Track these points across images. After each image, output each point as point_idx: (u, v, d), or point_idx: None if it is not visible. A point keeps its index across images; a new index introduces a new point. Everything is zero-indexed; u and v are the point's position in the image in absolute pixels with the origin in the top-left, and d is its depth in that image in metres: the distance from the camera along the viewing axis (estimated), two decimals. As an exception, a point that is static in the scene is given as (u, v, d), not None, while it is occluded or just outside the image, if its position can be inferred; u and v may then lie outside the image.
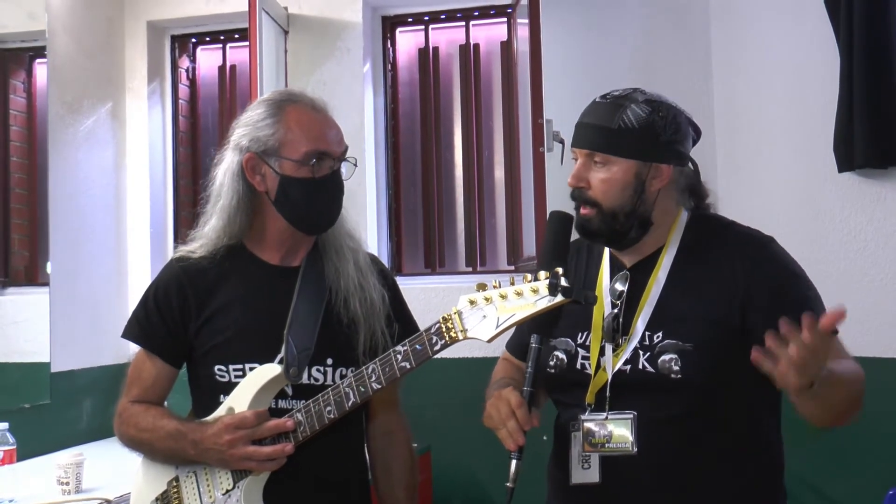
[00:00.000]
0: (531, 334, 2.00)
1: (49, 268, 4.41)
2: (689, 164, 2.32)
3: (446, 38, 5.09)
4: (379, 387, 2.13)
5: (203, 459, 2.24)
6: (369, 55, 4.95)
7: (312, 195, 2.33)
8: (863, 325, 3.60)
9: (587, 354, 2.18)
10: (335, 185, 2.37)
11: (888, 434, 3.65)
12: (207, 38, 5.34)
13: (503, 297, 1.94)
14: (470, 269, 4.93)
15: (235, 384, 2.28)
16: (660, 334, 2.13)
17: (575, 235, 2.19)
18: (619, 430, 2.07)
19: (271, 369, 2.24)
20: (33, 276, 4.54)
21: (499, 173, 4.98)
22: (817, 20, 3.77)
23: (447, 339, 2.01)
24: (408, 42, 5.13)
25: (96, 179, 4.85)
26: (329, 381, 2.31)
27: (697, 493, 2.11)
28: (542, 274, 1.91)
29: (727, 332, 2.10)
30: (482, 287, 1.99)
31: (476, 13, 4.99)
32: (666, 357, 2.10)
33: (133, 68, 5.15)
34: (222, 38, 5.31)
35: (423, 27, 5.09)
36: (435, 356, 2.07)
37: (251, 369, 2.27)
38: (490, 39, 5.03)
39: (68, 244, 4.56)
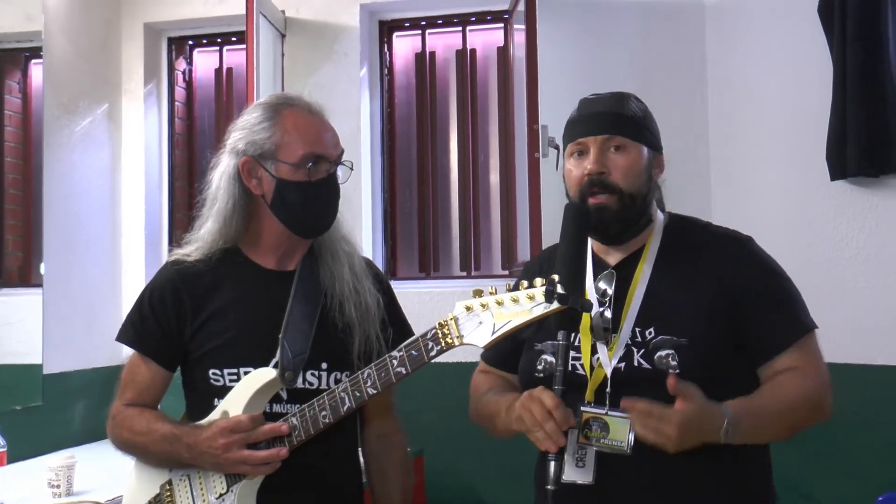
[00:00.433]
0: (558, 331, 1.97)
1: (43, 269, 4.40)
2: None
3: (443, 43, 5.10)
4: (375, 392, 2.13)
5: (197, 463, 2.24)
6: (366, 59, 4.96)
7: (309, 198, 2.33)
8: (854, 332, 3.62)
9: (578, 355, 2.17)
10: (331, 188, 2.37)
11: (879, 440, 3.67)
12: (204, 41, 5.34)
13: (499, 303, 1.95)
14: (464, 273, 4.93)
15: (230, 388, 2.28)
16: (651, 330, 2.14)
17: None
18: (618, 429, 2.06)
19: (267, 373, 2.24)
20: (27, 276, 4.53)
21: (494, 178, 4.98)
22: (811, 29, 3.79)
23: (443, 344, 2.02)
24: (405, 47, 5.14)
25: (92, 181, 4.85)
26: (324, 386, 2.31)
27: (694, 493, 2.12)
28: (538, 281, 1.92)
29: (718, 327, 2.13)
30: (478, 293, 1.99)
31: (473, 19, 5.00)
32: (662, 353, 2.11)
33: (129, 70, 5.15)
34: (219, 40, 5.31)
35: (419, 32, 5.09)
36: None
37: (246, 373, 2.28)
38: (486, 45, 5.04)
39: (62, 245, 4.56)
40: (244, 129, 2.37)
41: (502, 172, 4.91)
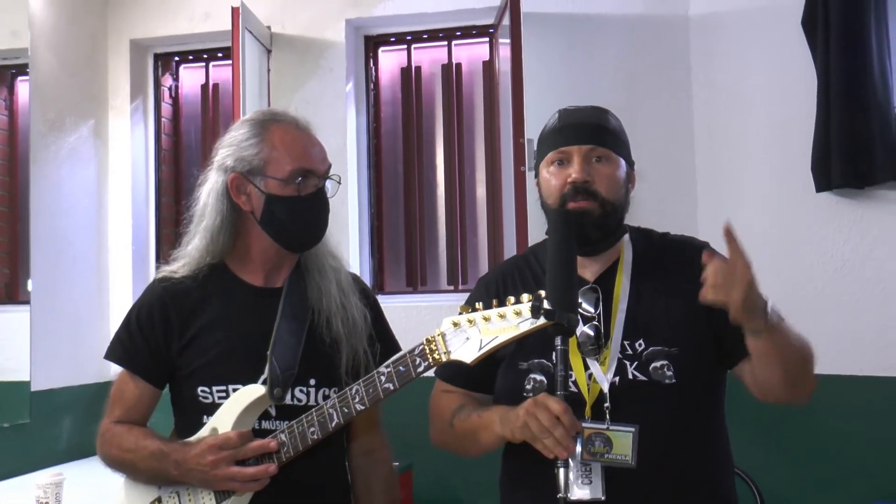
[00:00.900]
0: (555, 337, 1.95)
1: (30, 285, 4.39)
2: None
3: (429, 57, 5.11)
4: (363, 408, 2.13)
5: (186, 480, 2.24)
6: (352, 74, 4.97)
7: (298, 213, 2.34)
8: (840, 344, 3.64)
9: (570, 373, 2.15)
10: (320, 202, 2.38)
11: (867, 451, 3.68)
12: (190, 57, 5.35)
13: (486, 319, 1.96)
14: (452, 287, 4.95)
15: (219, 405, 2.28)
16: (641, 342, 2.16)
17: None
18: (621, 442, 2.06)
19: (255, 390, 2.24)
20: (14, 293, 4.52)
21: (480, 192, 5.00)
22: (795, 41, 3.82)
23: (430, 360, 2.02)
24: (390, 61, 5.15)
25: (78, 197, 4.85)
26: (312, 402, 2.32)
27: (697, 500, 2.15)
28: (525, 296, 1.93)
29: (701, 333, 2.16)
30: (466, 309, 2.00)
31: (458, 33, 5.01)
32: (657, 364, 2.13)
33: (116, 86, 5.15)
34: (205, 56, 5.31)
35: (405, 47, 5.10)
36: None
37: (234, 390, 2.28)
38: (472, 59, 5.06)
39: (49, 262, 4.55)
40: (232, 146, 2.37)
41: (489, 186, 4.92)
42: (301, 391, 2.32)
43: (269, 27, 4.92)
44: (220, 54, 5.23)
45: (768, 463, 3.78)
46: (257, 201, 2.34)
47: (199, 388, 2.32)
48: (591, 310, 2.22)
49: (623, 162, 2.27)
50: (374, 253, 5.04)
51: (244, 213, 2.37)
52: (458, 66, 5.04)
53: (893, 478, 3.59)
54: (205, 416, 2.30)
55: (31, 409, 4.30)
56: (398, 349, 2.53)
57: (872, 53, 3.56)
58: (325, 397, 2.31)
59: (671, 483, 2.11)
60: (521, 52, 4.18)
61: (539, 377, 2.20)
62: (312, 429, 2.19)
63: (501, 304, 1.97)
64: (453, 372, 2.34)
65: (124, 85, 5.15)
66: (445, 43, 5.05)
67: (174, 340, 2.36)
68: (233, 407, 2.24)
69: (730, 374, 2.27)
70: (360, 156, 4.99)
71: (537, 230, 2.53)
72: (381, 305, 2.61)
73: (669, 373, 2.13)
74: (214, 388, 2.31)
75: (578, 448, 2.04)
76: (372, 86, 5.10)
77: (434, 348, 2.02)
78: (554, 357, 2.17)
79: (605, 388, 2.13)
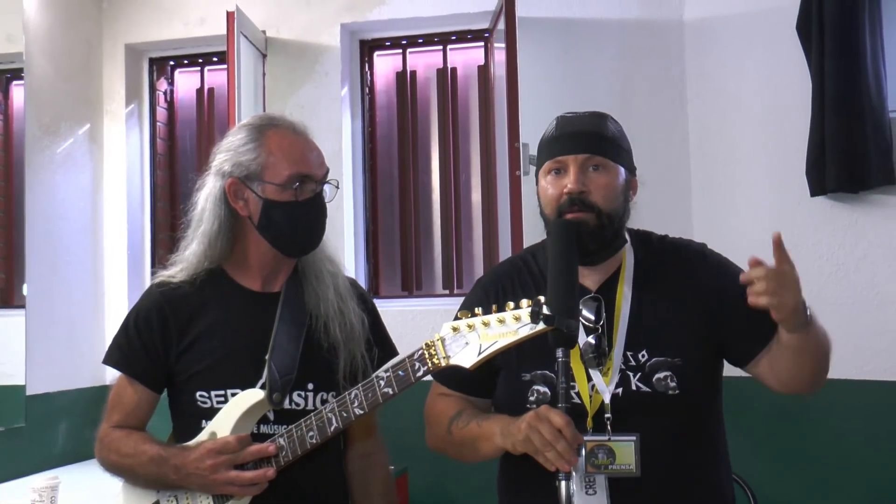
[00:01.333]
0: (555, 348, 1.93)
1: (25, 290, 4.39)
2: None
3: (424, 62, 5.11)
4: (362, 412, 2.14)
5: (185, 484, 2.24)
6: (347, 79, 4.97)
7: (296, 218, 2.34)
8: (835, 348, 3.63)
9: (573, 384, 2.16)
10: (318, 207, 2.38)
11: (862, 454, 3.69)
12: (186, 61, 5.35)
13: (486, 324, 1.96)
14: (447, 291, 4.95)
15: (217, 409, 2.28)
16: (644, 353, 2.16)
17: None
18: (623, 452, 2.07)
19: (254, 394, 2.25)
20: (9, 298, 4.52)
21: (476, 196, 5.00)
22: (789, 47, 3.83)
23: (430, 365, 2.03)
24: (385, 66, 5.16)
25: (74, 202, 4.84)
26: (310, 406, 2.32)
27: None
28: (525, 302, 1.94)
29: (703, 342, 2.16)
30: (465, 314, 2.01)
31: (453, 38, 5.02)
32: (660, 375, 2.14)
33: (111, 91, 5.15)
34: (200, 61, 5.31)
35: (400, 51, 5.11)
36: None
37: (233, 395, 2.28)
38: (467, 64, 5.06)
39: (45, 266, 4.55)
40: (229, 151, 2.38)
41: (484, 190, 4.93)
42: (299, 395, 2.32)
43: (264, 31, 4.92)
44: (215, 59, 5.23)
45: (763, 467, 3.79)
46: (255, 206, 2.34)
47: (198, 393, 2.33)
48: (594, 319, 2.22)
49: (622, 169, 2.25)
50: (370, 257, 5.04)
51: (242, 218, 2.37)
52: (454, 70, 5.05)
53: (888, 482, 3.60)
54: (203, 421, 2.30)
55: (26, 412, 4.29)
56: (396, 354, 2.54)
57: (867, 58, 3.58)
58: (324, 402, 2.32)
59: (675, 490, 2.12)
60: (516, 56, 4.18)
61: (542, 389, 2.19)
62: (311, 433, 2.19)
63: (501, 308, 1.97)
64: (451, 375, 2.32)
65: (119, 89, 5.14)
66: (441, 47, 5.06)
67: (172, 345, 2.36)
68: (231, 411, 2.25)
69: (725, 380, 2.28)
70: (355, 160, 4.99)
71: (532, 234, 2.54)
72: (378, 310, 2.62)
73: (673, 384, 2.13)
74: (213, 393, 2.31)
75: (581, 461, 2.04)
76: (367, 90, 5.10)
77: (433, 353, 2.02)
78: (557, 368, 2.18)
79: (607, 400, 2.13)
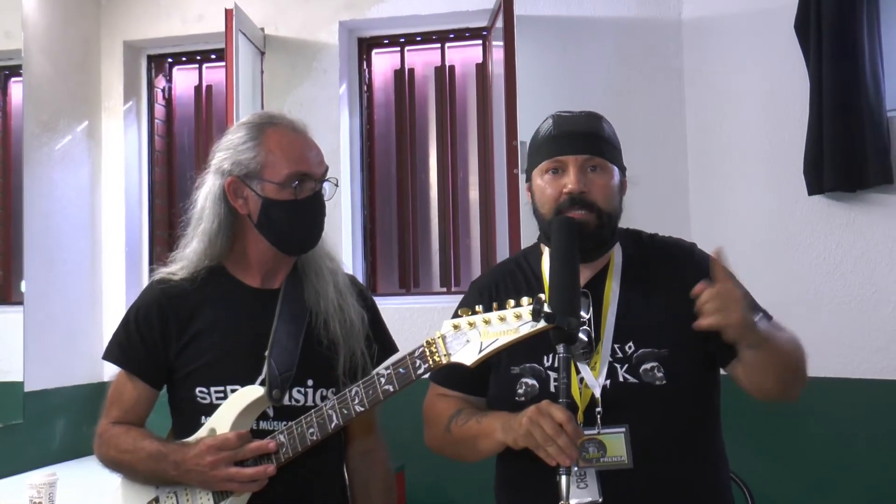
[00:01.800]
0: (556, 345, 1.95)
1: (23, 287, 4.38)
2: None
3: (422, 59, 5.12)
4: (362, 409, 2.14)
5: (185, 480, 2.24)
6: (345, 77, 4.97)
7: (295, 217, 2.35)
8: (832, 346, 3.66)
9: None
10: (317, 205, 2.39)
11: (858, 453, 3.70)
12: (184, 59, 5.34)
13: (487, 322, 1.97)
14: (445, 289, 4.95)
15: (217, 406, 2.29)
16: (631, 345, 2.18)
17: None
18: (613, 445, 2.09)
19: (254, 391, 2.25)
20: (7, 294, 4.52)
21: (473, 194, 5.00)
22: (787, 45, 3.84)
23: (431, 362, 2.03)
24: (383, 64, 5.16)
25: (72, 199, 4.84)
26: (310, 403, 2.33)
27: (696, 498, 2.17)
28: (526, 300, 1.94)
29: (691, 334, 2.15)
30: (465, 312, 2.01)
31: (451, 35, 5.02)
32: (647, 366, 2.15)
33: (109, 88, 5.15)
34: (199, 58, 5.31)
35: (398, 49, 5.11)
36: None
37: (233, 391, 2.29)
38: (465, 62, 5.06)
39: (43, 263, 4.55)
40: (229, 149, 2.38)
41: (481, 188, 4.93)
42: (299, 392, 2.33)
43: (262, 29, 4.93)
44: (213, 56, 5.23)
45: (760, 466, 3.80)
46: (254, 205, 2.35)
47: (198, 389, 2.33)
48: (583, 314, 2.22)
49: (616, 170, 2.27)
50: (367, 255, 5.04)
51: (241, 217, 2.38)
52: (452, 68, 5.05)
53: (886, 481, 3.61)
54: (203, 417, 2.31)
55: (24, 409, 4.28)
56: (395, 350, 2.55)
57: (865, 57, 3.59)
58: (323, 398, 2.32)
59: (666, 481, 2.13)
60: (514, 54, 4.19)
61: (531, 381, 2.21)
62: (311, 430, 2.19)
63: (501, 306, 1.98)
64: (449, 375, 2.34)
65: (117, 86, 5.14)
66: (439, 45, 5.06)
67: (172, 342, 2.37)
68: (231, 408, 2.25)
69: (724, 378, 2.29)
70: (353, 158, 5.00)
71: (530, 232, 2.54)
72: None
73: (660, 374, 2.14)
74: (212, 389, 2.32)
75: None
76: (365, 88, 5.11)
77: (434, 350, 2.03)
78: (546, 361, 2.19)
79: (598, 394, 2.14)
